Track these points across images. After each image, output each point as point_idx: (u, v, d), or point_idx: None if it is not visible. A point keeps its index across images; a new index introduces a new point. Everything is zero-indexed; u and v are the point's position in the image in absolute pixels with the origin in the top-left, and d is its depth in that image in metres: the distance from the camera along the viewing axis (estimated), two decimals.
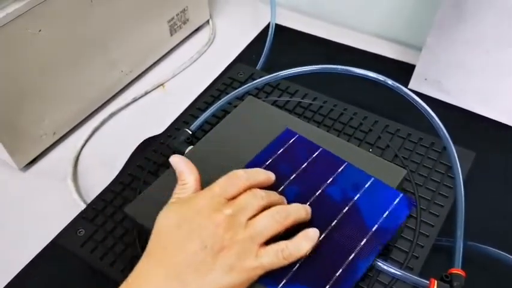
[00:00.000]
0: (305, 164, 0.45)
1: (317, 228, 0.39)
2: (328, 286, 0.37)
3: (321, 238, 0.40)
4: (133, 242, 0.46)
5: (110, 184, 0.52)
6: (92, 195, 0.55)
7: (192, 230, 0.36)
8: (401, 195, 0.42)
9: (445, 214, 0.46)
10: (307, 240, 0.38)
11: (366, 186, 0.43)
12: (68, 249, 0.46)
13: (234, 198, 0.38)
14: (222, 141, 0.48)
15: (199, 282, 0.35)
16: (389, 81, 0.50)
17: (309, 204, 0.41)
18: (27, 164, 0.61)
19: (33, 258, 0.52)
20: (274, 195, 0.40)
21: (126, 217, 0.47)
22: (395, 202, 0.42)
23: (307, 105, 0.56)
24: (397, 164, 0.47)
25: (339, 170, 0.44)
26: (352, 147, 0.48)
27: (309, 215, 0.40)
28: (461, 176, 0.47)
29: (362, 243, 0.39)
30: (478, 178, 0.51)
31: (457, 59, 0.62)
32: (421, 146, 0.52)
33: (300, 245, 0.38)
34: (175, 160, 0.42)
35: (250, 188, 0.39)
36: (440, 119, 0.49)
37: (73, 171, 0.61)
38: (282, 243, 0.37)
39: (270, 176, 0.42)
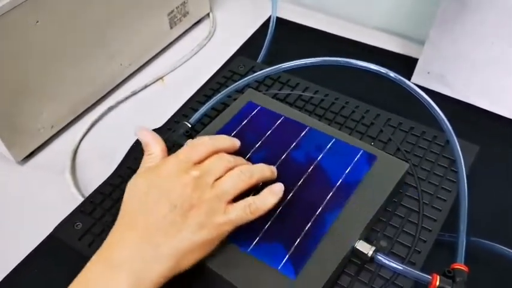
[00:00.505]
0: (269, 131, 0.48)
1: (284, 188, 0.41)
2: (298, 240, 0.39)
3: (288, 197, 0.42)
4: None
5: (108, 177, 0.51)
6: (90, 189, 0.54)
7: (161, 193, 0.37)
8: (361, 151, 0.45)
9: (447, 208, 0.45)
10: (272, 194, 0.40)
11: (328, 146, 0.46)
12: (65, 242, 0.45)
13: (200, 163, 0.40)
14: (220, 131, 0.48)
15: (171, 242, 0.36)
16: (392, 74, 0.50)
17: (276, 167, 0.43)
18: (25, 158, 0.60)
19: (31, 252, 0.51)
20: (240, 160, 0.42)
21: None
22: (356, 158, 0.45)
23: (308, 99, 0.56)
24: (399, 158, 0.47)
25: (302, 134, 0.47)
26: (354, 141, 0.47)
27: (275, 174, 0.42)
28: (464, 170, 0.46)
29: (327, 198, 0.42)
30: (481, 173, 0.50)
31: (460, 53, 0.61)
32: (423, 140, 0.51)
33: (265, 199, 0.40)
34: (142, 133, 0.43)
35: (215, 153, 0.41)
36: (443, 113, 0.49)
37: (71, 164, 0.60)
38: (249, 199, 0.39)
39: (234, 142, 0.44)
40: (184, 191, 0.37)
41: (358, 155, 0.45)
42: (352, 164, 0.45)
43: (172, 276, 0.36)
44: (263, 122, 0.49)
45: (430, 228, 0.44)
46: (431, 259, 0.43)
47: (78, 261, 0.44)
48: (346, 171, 0.44)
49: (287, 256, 0.39)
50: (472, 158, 0.49)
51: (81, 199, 0.54)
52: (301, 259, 0.38)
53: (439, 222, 0.44)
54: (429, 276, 0.38)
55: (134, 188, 0.39)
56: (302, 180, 0.44)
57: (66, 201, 0.54)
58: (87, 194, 0.54)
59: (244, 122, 0.49)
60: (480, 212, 0.46)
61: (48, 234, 0.52)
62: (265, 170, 0.42)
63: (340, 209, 0.41)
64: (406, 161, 0.47)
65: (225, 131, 0.48)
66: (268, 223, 0.41)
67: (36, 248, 0.51)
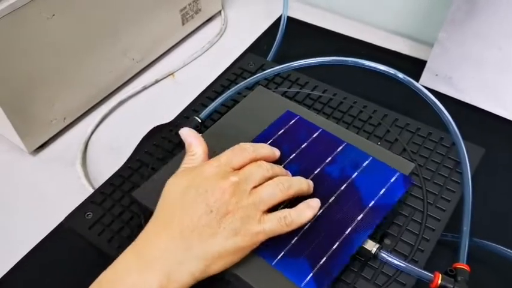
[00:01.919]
0: (305, 143, 0.47)
1: None
2: (324, 258, 0.39)
3: (319, 214, 0.41)
4: (140, 226, 0.46)
5: (118, 169, 0.52)
6: (100, 181, 0.55)
7: (199, 195, 0.37)
8: (398, 173, 0.44)
9: (451, 209, 0.46)
10: (309, 208, 0.40)
11: (364, 164, 0.45)
12: (76, 231, 0.46)
13: (239, 169, 0.40)
14: (231, 130, 0.48)
15: (204, 244, 0.36)
16: (400, 75, 0.50)
17: None
18: (37, 148, 0.62)
19: (42, 240, 0.52)
20: (279, 168, 0.42)
21: (134, 202, 0.47)
22: (392, 180, 0.44)
23: (317, 97, 0.56)
24: (405, 158, 0.47)
25: (338, 149, 0.46)
26: (361, 140, 0.48)
27: (311, 189, 0.42)
28: (469, 172, 0.47)
29: (358, 218, 0.41)
30: (485, 174, 0.51)
31: (468, 55, 0.62)
32: (430, 141, 0.51)
33: (302, 212, 0.39)
34: (185, 132, 0.43)
35: (255, 160, 0.41)
36: (450, 115, 0.49)
37: (82, 156, 0.61)
38: (285, 211, 0.39)
39: (274, 151, 0.44)
40: (222, 196, 0.37)
41: (395, 177, 0.44)
42: (387, 185, 0.43)
43: (200, 279, 0.36)
44: (300, 133, 0.48)
45: (434, 228, 0.44)
46: (434, 259, 0.43)
47: (87, 250, 0.46)
48: (381, 193, 0.43)
49: (311, 274, 0.38)
50: (478, 160, 0.49)
51: (91, 190, 0.55)
52: (325, 278, 0.38)
53: (443, 222, 0.45)
54: (431, 275, 0.39)
55: (173, 186, 0.39)
56: (334, 197, 0.42)
57: (77, 192, 0.55)
58: (97, 186, 0.55)
59: (281, 132, 0.48)
60: (483, 214, 0.47)
61: (58, 223, 0.53)
62: (303, 183, 0.41)
63: (370, 231, 0.40)
64: (412, 161, 0.47)
65: (261, 138, 0.47)
66: (296, 238, 0.40)
67: (47, 236, 0.53)
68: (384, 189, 0.43)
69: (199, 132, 0.50)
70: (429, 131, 0.52)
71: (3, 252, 0.52)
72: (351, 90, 0.57)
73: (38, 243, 0.52)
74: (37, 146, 0.61)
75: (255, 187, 0.39)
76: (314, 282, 0.37)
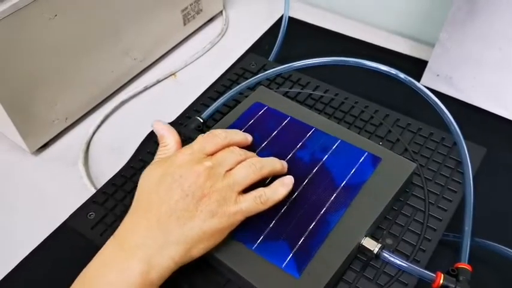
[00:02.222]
0: (275, 131, 0.48)
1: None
2: (302, 239, 0.40)
3: (293, 197, 0.43)
4: None
5: (120, 169, 0.52)
6: (102, 181, 0.55)
7: (174, 181, 0.38)
8: (366, 153, 0.46)
9: (453, 209, 0.46)
10: (283, 185, 0.41)
11: (334, 147, 0.47)
12: (78, 231, 0.47)
13: (212, 155, 0.41)
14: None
15: (182, 229, 0.37)
16: (402, 75, 0.50)
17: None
18: (39, 148, 0.62)
19: (44, 240, 0.52)
20: (251, 154, 0.43)
21: None
22: (361, 160, 0.46)
23: (319, 97, 0.57)
24: (407, 158, 0.47)
25: (308, 135, 0.48)
26: (363, 140, 0.48)
27: (285, 168, 0.44)
28: (470, 171, 0.47)
29: (332, 198, 0.43)
30: (487, 174, 0.51)
31: (469, 55, 0.62)
32: (431, 141, 0.52)
33: (276, 190, 0.41)
34: (157, 125, 0.45)
35: (228, 146, 0.42)
36: (451, 115, 0.49)
37: (84, 156, 0.61)
38: (260, 190, 0.40)
39: (247, 137, 0.45)
40: (197, 180, 0.38)
41: (363, 157, 0.46)
42: (356, 166, 0.45)
43: (182, 263, 0.38)
44: (269, 122, 0.50)
45: (435, 228, 0.44)
46: (436, 259, 0.43)
47: (89, 250, 0.46)
48: (351, 173, 0.45)
49: (291, 255, 0.39)
50: (479, 160, 0.49)
51: (93, 190, 0.56)
52: (305, 258, 0.39)
53: (444, 222, 0.45)
54: (433, 274, 0.39)
55: (148, 176, 0.40)
56: (307, 180, 0.44)
57: (78, 192, 0.56)
58: (99, 186, 0.55)
59: (251, 122, 0.50)
60: (485, 213, 0.47)
61: (60, 223, 0.53)
62: (276, 163, 0.43)
63: (344, 210, 0.42)
64: (414, 161, 0.47)
65: (232, 128, 0.49)
66: (273, 222, 0.41)
67: (49, 236, 0.53)
68: (353, 169, 0.45)
69: (202, 132, 0.50)
70: (431, 131, 0.52)
71: (6, 252, 0.52)
72: (353, 90, 0.57)
73: (40, 243, 0.52)
74: (39, 146, 0.61)
75: (229, 170, 0.40)
76: (294, 262, 0.39)
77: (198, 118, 0.51)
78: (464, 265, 0.40)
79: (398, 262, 0.40)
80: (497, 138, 0.61)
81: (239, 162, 0.41)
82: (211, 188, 0.38)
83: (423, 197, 0.47)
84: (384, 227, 0.44)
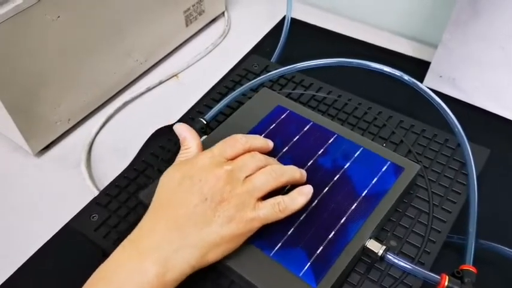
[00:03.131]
0: (297, 136, 0.48)
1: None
2: (321, 248, 0.40)
3: (313, 204, 0.42)
4: None
5: (123, 171, 0.52)
6: (104, 182, 0.55)
7: (193, 184, 0.38)
8: (389, 162, 0.45)
9: (457, 210, 0.46)
10: (301, 194, 0.41)
11: (356, 155, 0.46)
12: (81, 233, 0.46)
13: (233, 159, 0.41)
14: (236, 131, 0.48)
15: (200, 232, 0.37)
16: (406, 77, 0.50)
17: None
18: (41, 150, 0.62)
19: (47, 241, 0.52)
20: (272, 160, 0.43)
21: (140, 203, 0.47)
22: (383, 169, 0.45)
23: (322, 99, 0.56)
24: (410, 160, 0.47)
25: (330, 141, 0.47)
26: (366, 141, 0.48)
27: (304, 177, 0.43)
28: (474, 173, 0.47)
29: (352, 207, 0.42)
30: (491, 176, 0.51)
31: (472, 56, 0.62)
32: (435, 142, 0.51)
33: (295, 199, 0.40)
34: (179, 127, 0.44)
35: (248, 151, 0.42)
36: (454, 116, 0.49)
37: (87, 157, 0.61)
38: (279, 197, 0.40)
39: (268, 143, 0.45)
40: (216, 184, 0.38)
41: (386, 166, 0.45)
42: (379, 175, 0.44)
43: (198, 268, 0.37)
44: (291, 126, 0.49)
45: (440, 230, 0.44)
46: (440, 260, 0.43)
47: (93, 252, 0.46)
48: (373, 182, 0.44)
49: (309, 263, 0.39)
50: (483, 162, 0.49)
51: (95, 192, 0.55)
52: (323, 267, 0.38)
53: (449, 223, 0.45)
54: (438, 276, 0.39)
55: (168, 178, 0.40)
56: (328, 188, 0.44)
57: (81, 193, 0.55)
58: (101, 187, 0.55)
59: (273, 126, 0.49)
60: (489, 215, 0.47)
61: (63, 225, 0.53)
62: (295, 172, 0.42)
63: (364, 219, 0.41)
64: (417, 163, 0.47)
65: (254, 132, 0.48)
66: (292, 228, 0.41)
67: (52, 237, 0.53)
68: (375, 179, 0.44)
69: (205, 134, 0.50)
70: (434, 133, 0.52)
71: (8, 254, 0.52)
72: (356, 91, 0.57)
73: (43, 245, 0.52)
74: (42, 147, 0.61)
75: (249, 176, 0.40)
76: (312, 271, 0.38)
77: (202, 120, 0.51)
78: (469, 267, 0.40)
79: (403, 264, 0.40)
80: (501, 139, 0.61)
81: (259, 168, 0.40)
82: (230, 193, 0.38)
83: (427, 199, 0.46)
84: (388, 229, 0.44)
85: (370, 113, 0.55)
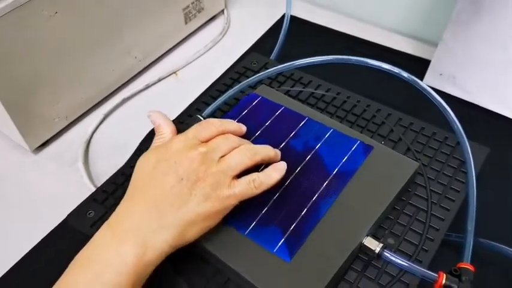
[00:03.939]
0: (269, 121, 0.49)
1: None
2: (294, 224, 0.41)
3: (286, 184, 0.44)
4: None
5: (120, 168, 0.52)
6: (102, 179, 0.55)
7: (169, 166, 0.39)
8: (358, 141, 0.47)
9: (456, 208, 0.45)
10: (276, 170, 0.42)
11: (326, 136, 0.48)
12: (78, 229, 0.46)
13: (207, 142, 0.42)
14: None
15: (177, 212, 0.37)
16: (404, 74, 0.50)
17: None
18: (39, 147, 0.62)
19: (44, 238, 0.52)
20: (245, 141, 0.44)
21: None
22: (353, 148, 0.46)
23: (320, 96, 0.56)
24: (409, 157, 0.47)
25: (301, 124, 0.49)
26: (365, 139, 0.47)
27: (278, 156, 0.44)
28: (474, 171, 0.46)
29: (324, 185, 0.44)
30: (490, 174, 0.50)
31: (473, 55, 0.61)
32: (434, 140, 0.51)
33: (270, 174, 0.41)
34: (154, 115, 0.46)
35: (222, 134, 0.43)
36: (454, 114, 0.49)
37: (84, 155, 0.61)
38: (254, 174, 0.40)
39: (241, 126, 0.46)
40: (191, 164, 0.39)
41: (355, 145, 0.47)
42: (348, 154, 0.46)
43: (177, 247, 0.38)
44: (263, 112, 0.50)
45: (438, 228, 0.44)
46: (438, 259, 0.43)
47: None
48: (343, 161, 0.45)
49: (282, 240, 0.40)
50: (482, 160, 0.49)
51: (93, 189, 0.55)
52: (296, 243, 0.40)
53: (447, 221, 0.44)
54: (435, 274, 0.39)
55: (143, 162, 0.41)
56: (300, 168, 0.45)
57: (78, 190, 0.55)
58: (99, 184, 0.54)
59: (245, 112, 0.50)
60: (488, 214, 0.46)
61: (60, 221, 0.53)
62: (270, 150, 0.43)
63: (335, 197, 0.43)
64: (416, 161, 0.47)
65: (227, 118, 0.49)
66: (266, 207, 0.42)
67: (48, 234, 0.52)
68: (345, 157, 0.46)
69: None
70: (433, 131, 0.52)
71: (5, 250, 0.52)
72: (355, 89, 0.57)
73: (39, 241, 0.52)
74: (39, 144, 0.61)
75: (223, 157, 0.41)
76: (286, 247, 0.39)
77: (199, 116, 0.51)
78: (466, 265, 0.40)
79: (400, 262, 0.40)
80: (501, 138, 0.60)
81: (233, 149, 0.42)
82: (205, 172, 0.39)
83: (426, 197, 0.46)
84: (385, 227, 0.44)
85: (369, 111, 0.54)
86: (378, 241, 0.40)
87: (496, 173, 0.54)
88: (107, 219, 0.46)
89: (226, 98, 0.53)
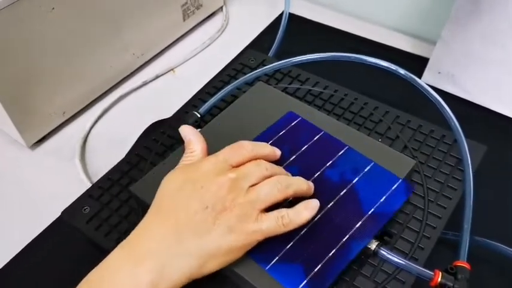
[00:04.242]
0: (306, 146, 0.45)
1: None
2: (320, 265, 0.38)
3: (316, 219, 0.40)
4: (137, 220, 0.46)
5: (117, 164, 0.52)
6: (98, 176, 0.55)
7: (195, 190, 0.37)
8: (400, 180, 0.42)
9: (452, 206, 0.45)
10: (307, 209, 0.38)
11: (366, 170, 0.43)
12: (73, 225, 0.46)
13: (238, 166, 0.39)
14: (230, 125, 0.48)
15: (198, 241, 0.35)
16: (401, 71, 0.50)
17: None
18: (36, 142, 0.61)
19: (39, 234, 0.52)
20: (278, 168, 0.41)
21: (132, 196, 0.47)
22: (393, 187, 0.42)
23: (318, 93, 0.56)
24: (406, 155, 0.47)
25: (340, 153, 0.45)
26: (362, 136, 0.47)
27: (311, 190, 0.41)
28: (471, 169, 0.46)
29: (357, 225, 0.40)
30: (487, 173, 0.50)
31: (471, 53, 0.61)
32: (431, 138, 0.51)
33: (300, 213, 0.38)
34: (185, 130, 0.42)
35: (254, 159, 0.40)
36: (452, 113, 0.49)
37: (81, 151, 0.61)
38: (283, 210, 0.37)
39: (275, 151, 0.42)
40: (218, 191, 0.36)
41: (396, 184, 0.42)
42: (388, 193, 0.42)
43: (193, 279, 0.36)
44: (301, 134, 0.47)
45: (434, 226, 0.44)
46: (434, 257, 0.43)
47: (84, 244, 0.45)
48: (381, 200, 0.41)
49: (305, 281, 0.37)
50: (480, 158, 0.49)
51: (89, 185, 0.55)
52: (319, 285, 0.37)
53: (444, 219, 0.44)
54: (431, 272, 0.38)
55: (169, 182, 0.38)
56: (333, 202, 0.41)
57: (75, 186, 0.55)
58: (95, 181, 0.54)
59: (282, 132, 0.47)
60: (485, 212, 0.46)
61: (56, 217, 0.53)
62: (302, 184, 0.40)
63: (368, 239, 0.39)
64: (413, 159, 0.47)
65: (261, 139, 0.46)
66: (291, 243, 0.39)
67: (44, 230, 0.52)
68: (384, 197, 0.42)
69: (198, 128, 0.49)
70: (431, 129, 0.52)
71: (1, 246, 0.52)
72: (352, 86, 0.57)
73: (35, 237, 0.52)
74: (36, 140, 0.61)
75: (253, 185, 0.38)
76: None
77: (195, 113, 0.51)
78: (462, 263, 0.39)
79: (396, 260, 0.39)
80: (499, 136, 0.60)
81: (265, 178, 0.38)
82: (232, 202, 0.36)
83: (422, 195, 0.46)
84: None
85: (366, 108, 0.54)
86: (374, 239, 0.40)
87: (493, 172, 0.54)
88: (102, 215, 0.46)
89: (223, 95, 0.53)
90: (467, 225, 0.43)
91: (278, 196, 0.38)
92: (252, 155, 0.40)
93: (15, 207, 0.56)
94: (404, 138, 0.51)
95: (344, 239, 0.39)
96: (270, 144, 0.44)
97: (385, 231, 0.43)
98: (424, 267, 0.39)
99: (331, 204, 0.41)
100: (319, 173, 0.43)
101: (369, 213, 0.40)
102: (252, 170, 0.38)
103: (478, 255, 0.43)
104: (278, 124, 0.47)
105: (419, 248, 0.42)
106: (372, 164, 0.44)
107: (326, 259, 0.38)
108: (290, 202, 0.39)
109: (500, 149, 0.57)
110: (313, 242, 0.39)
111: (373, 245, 0.40)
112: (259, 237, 0.37)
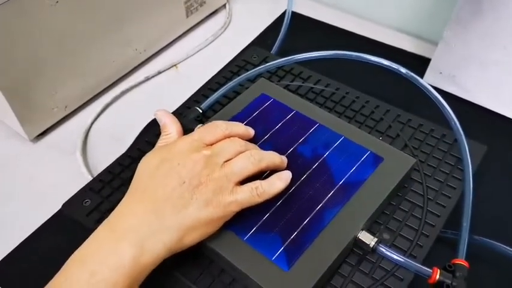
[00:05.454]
0: (279, 124, 0.48)
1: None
2: (295, 233, 0.40)
3: (290, 191, 0.42)
4: None
5: (118, 158, 0.52)
6: (99, 170, 0.55)
7: (172, 168, 0.38)
8: (368, 152, 0.45)
9: (452, 205, 0.45)
10: (280, 179, 0.41)
11: (336, 144, 0.46)
12: (73, 218, 0.46)
13: (212, 145, 0.41)
14: (231, 120, 0.48)
15: (177, 215, 0.37)
16: (403, 70, 0.50)
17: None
18: (37, 136, 0.62)
19: (40, 227, 0.52)
20: (252, 145, 0.43)
21: None
22: (362, 159, 0.45)
23: (320, 91, 0.56)
24: (406, 153, 0.47)
25: (311, 130, 0.48)
26: (362, 134, 0.48)
27: (284, 164, 0.43)
28: (470, 168, 0.46)
29: (329, 195, 0.42)
30: (487, 172, 0.51)
31: (473, 54, 0.61)
32: (432, 137, 0.51)
33: (273, 183, 0.40)
34: (160, 113, 0.45)
35: (228, 137, 0.42)
36: (452, 112, 0.49)
37: (82, 145, 0.61)
38: (257, 182, 0.40)
39: (249, 130, 0.45)
40: (194, 167, 0.38)
41: (365, 156, 0.45)
42: (357, 164, 0.45)
43: (175, 251, 0.37)
44: (274, 114, 0.49)
45: (433, 224, 0.44)
46: (433, 255, 0.43)
47: (85, 237, 0.45)
48: (351, 171, 0.44)
49: (282, 248, 0.39)
50: (480, 158, 0.49)
51: (90, 179, 0.55)
52: (295, 252, 0.39)
53: (443, 218, 0.44)
54: (430, 270, 0.39)
55: (147, 162, 0.40)
56: (306, 175, 0.44)
57: (76, 180, 0.55)
58: (96, 175, 0.54)
59: (256, 114, 0.49)
60: (484, 211, 0.46)
61: (56, 210, 0.53)
62: (275, 157, 0.42)
63: (339, 208, 0.41)
64: (413, 157, 0.47)
65: (236, 120, 0.48)
66: (267, 214, 0.41)
67: (44, 223, 0.52)
68: (353, 168, 0.44)
69: (201, 123, 0.50)
70: (431, 128, 0.52)
71: (1, 239, 0.52)
72: (354, 85, 0.57)
73: (35, 230, 0.52)
74: (38, 133, 0.61)
75: (228, 161, 0.40)
76: (285, 255, 0.39)
77: (197, 108, 0.51)
78: (461, 261, 0.40)
79: (395, 257, 0.39)
80: (499, 137, 0.60)
81: (239, 153, 0.41)
82: (208, 177, 0.38)
83: (422, 193, 0.46)
84: (381, 222, 0.44)
85: (367, 107, 0.54)
86: (373, 235, 0.40)
87: (493, 172, 0.54)
88: (102, 208, 0.47)
89: (225, 91, 0.53)
90: (466, 223, 0.43)
91: (251, 169, 0.40)
92: (226, 133, 0.42)
93: (16, 199, 0.56)
94: (405, 137, 0.51)
95: (317, 208, 0.41)
96: (245, 124, 0.46)
97: (384, 228, 0.43)
98: (423, 264, 0.39)
99: (304, 177, 0.44)
100: (292, 149, 0.46)
101: (340, 183, 0.43)
102: (226, 146, 0.41)
103: (477, 253, 0.43)
104: (251, 105, 0.50)
105: (418, 246, 0.43)
106: (341, 138, 0.46)
107: (301, 227, 0.40)
108: (265, 177, 0.41)
109: (500, 149, 0.57)
110: (288, 212, 0.41)
111: (372, 242, 0.40)
112: (236, 208, 0.38)
